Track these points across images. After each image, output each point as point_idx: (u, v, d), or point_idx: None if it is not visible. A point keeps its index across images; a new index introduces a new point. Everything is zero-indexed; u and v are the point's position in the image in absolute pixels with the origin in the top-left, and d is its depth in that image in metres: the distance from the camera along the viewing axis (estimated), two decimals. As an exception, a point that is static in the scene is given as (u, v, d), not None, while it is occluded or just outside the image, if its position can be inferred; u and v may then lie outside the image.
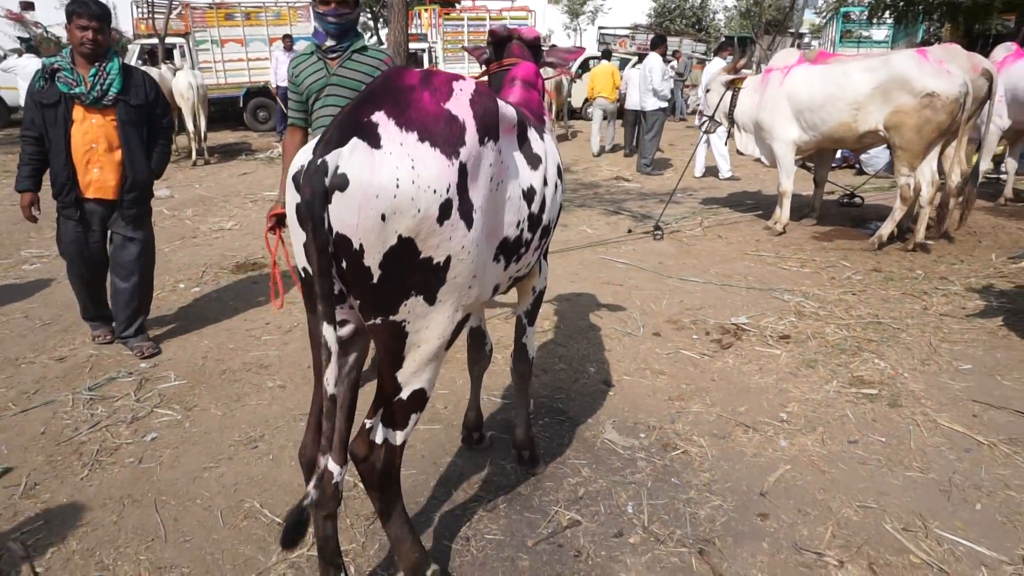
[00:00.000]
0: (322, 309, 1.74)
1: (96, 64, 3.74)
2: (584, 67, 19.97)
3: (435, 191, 1.72)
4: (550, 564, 2.43)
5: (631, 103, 11.37)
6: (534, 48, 2.81)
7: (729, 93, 7.06)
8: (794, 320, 4.53)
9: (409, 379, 1.94)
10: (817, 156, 7.13)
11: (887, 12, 13.60)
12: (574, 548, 2.50)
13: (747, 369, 3.90)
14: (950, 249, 6.14)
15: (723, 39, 11.97)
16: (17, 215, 7.84)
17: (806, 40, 30.12)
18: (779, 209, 6.87)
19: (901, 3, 13.17)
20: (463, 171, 1.78)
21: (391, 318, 1.83)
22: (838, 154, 9.46)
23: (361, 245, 1.71)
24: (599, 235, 6.82)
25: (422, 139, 1.73)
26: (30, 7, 33.45)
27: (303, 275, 1.95)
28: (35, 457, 3.10)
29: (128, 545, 2.55)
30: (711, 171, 10.43)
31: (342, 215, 1.69)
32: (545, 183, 2.25)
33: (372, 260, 1.73)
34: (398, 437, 2.02)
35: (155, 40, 15.97)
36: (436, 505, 2.76)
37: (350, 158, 1.68)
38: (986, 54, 7.08)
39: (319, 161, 1.68)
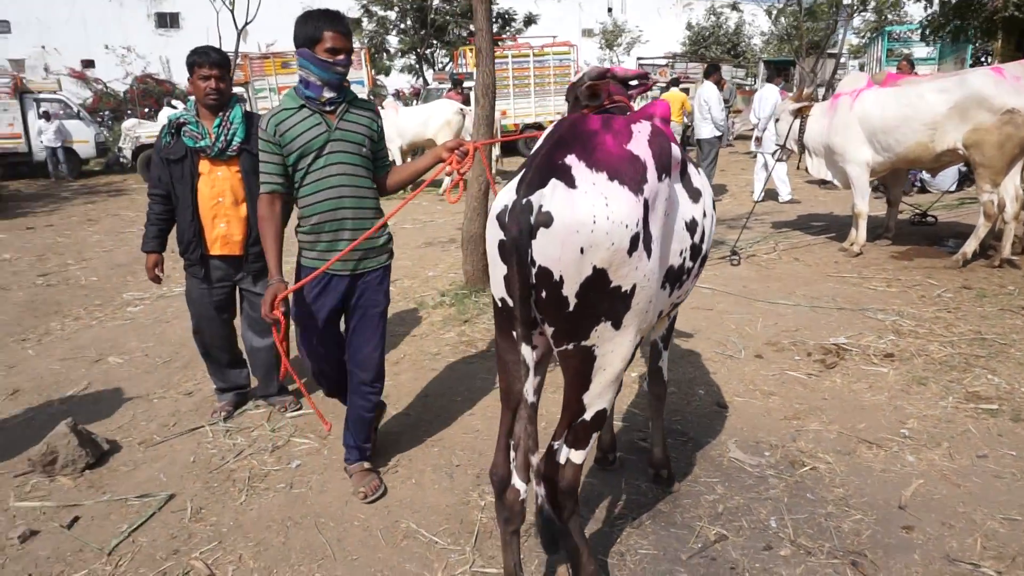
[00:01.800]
0: (522, 331, 1.96)
1: (220, 114, 3.61)
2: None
3: (626, 225, 1.89)
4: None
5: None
6: (627, 85, 2.90)
7: (797, 121, 7.16)
8: (894, 338, 4.56)
9: (594, 400, 2.09)
10: (891, 176, 7.16)
11: (940, 31, 13.55)
12: (728, 561, 2.59)
13: (857, 388, 3.95)
14: (1037, 264, 6.09)
15: (709, 65, 12.07)
16: (113, 260, 8.32)
17: (843, 61, 30.06)
18: (855, 230, 6.90)
19: (955, 21, 13.10)
20: (646, 206, 1.95)
21: (583, 343, 1.99)
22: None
23: (561, 276, 1.89)
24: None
25: (611, 178, 1.91)
26: (91, 64, 35.38)
27: (499, 304, 2.11)
28: (193, 484, 3.31)
29: (300, 564, 2.72)
30: (770, 195, 10.48)
31: (546, 249, 1.87)
32: (704, 215, 2.40)
33: (570, 290, 1.91)
34: (580, 456, 2.16)
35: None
36: (583, 524, 2.87)
37: (552, 197, 1.87)
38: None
39: (524, 201, 1.88)
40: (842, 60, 28.98)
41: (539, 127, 18.65)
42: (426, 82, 24.77)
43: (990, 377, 3.93)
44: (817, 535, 2.72)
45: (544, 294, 1.93)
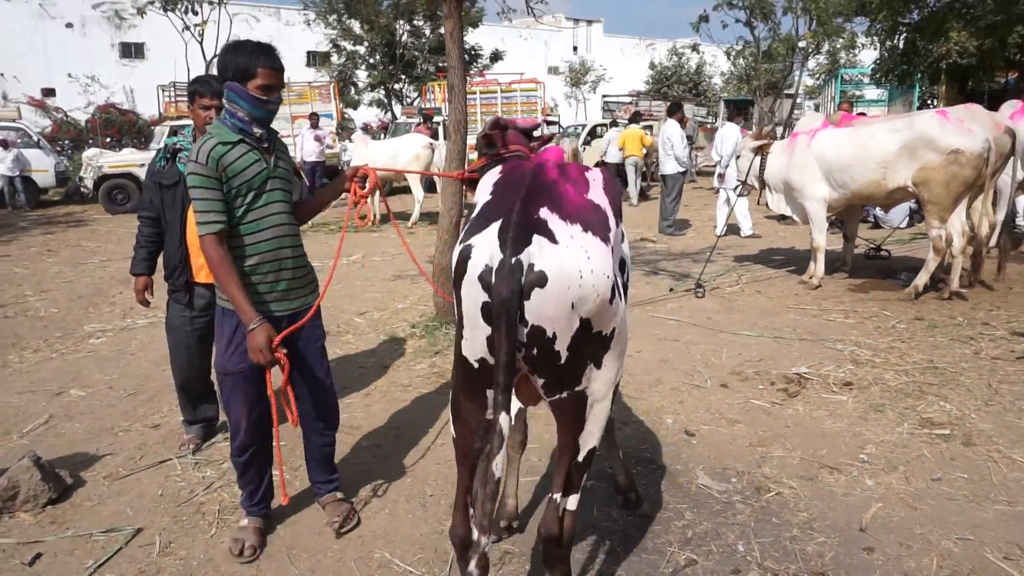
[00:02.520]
0: (502, 399, 1.85)
1: None
2: (592, 134, 20.72)
3: (607, 276, 1.93)
4: (679, 600, 2.58)
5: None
6: (528, 135, 2.86)
7: (758, 158, 7.43)
8: (852, 368, 4.73)
9: (588, 439, 2.13)
10: (847, 212, 7.45)
11: (889, 75, 14.22)
12: (698, 585, 2.65)
13: (818, 415, 4.08)
14: (985, 296, 6.38)
15: (672, 103, 12.59)
16: (74, 291, 8.17)
17: (799, 101, 31.15)
18: (813, 264, 7.14)
19: (904, 66, 13.79)
20: (612, 252, 2.01)
21: (576, 389, 2.04)
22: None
23: (554, 333, 1.89)
24: (642, 294, 7.08)
25: (584, 230, 1.93)
26: (51, 93, 34.88)
27: (475, 365, 1.99)
28: (161, 518, 3.26)
29: (273, 596, 2.70)
30: (732, 229, 10.77)
31: (540, 309, 1.85)
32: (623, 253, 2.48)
33: (562, 344, 1.92)
34: (575, 502, 2.21)
35: (186, 122, 16.63)
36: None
37: (541, 255, 1.84)
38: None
39: (513, 260, 1.82)
40: (798, 101, 30.07)
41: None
42: (394, 116, 24.97)
43: (942, 404, 4.10)
44: (783, 558, 2.80)
45: (536, 351, 1.91)
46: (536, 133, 2.87)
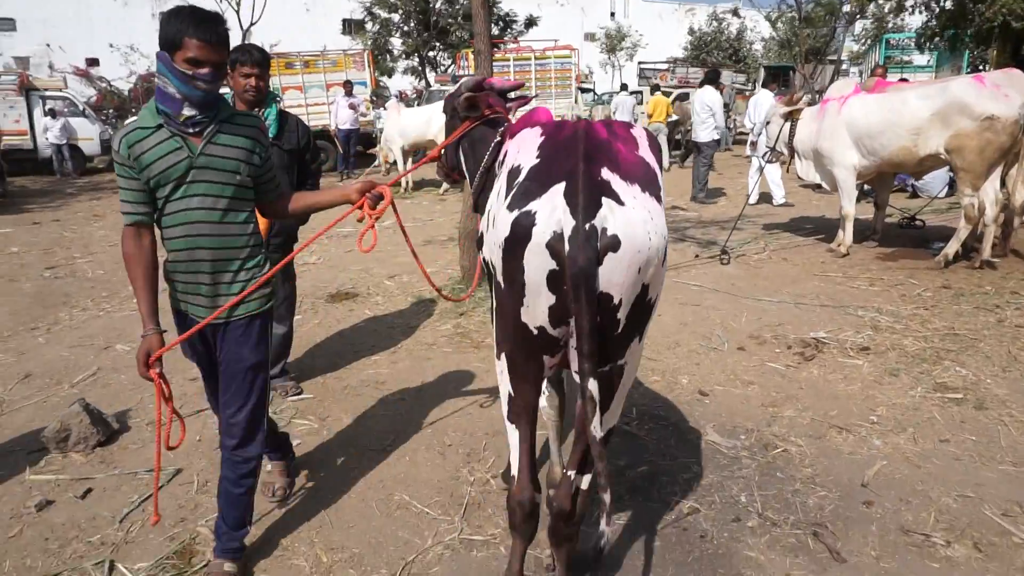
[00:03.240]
0: (589, 367, 1.77)
1: (255, 110, 3.63)
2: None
3: (664, 237, 1.87)
4: (679, 544, 2.71)
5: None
6: (505, 96, 2.85)
7: (788, 124, 7.35)
8: (871, 334, 4.75)
9: (608, 419, 2.06)
10: (877, 180, 7.35)
11: (936, 39, 13.76)
12: (699, 531, 2.78)
13: (832, 378, 4.14)
14: (1017, 266, 6.28)
15: (710, 70, 12.51)
16: (119, 254, 8.51)
17: (844, 68, 30.26)
18: (842, 232, 7.09)
19: (951, 29, 13.32)
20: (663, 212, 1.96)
21: (619, 363, 1.98)
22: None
23: (620, 300, 1.80)
24: (669, 261, 7.11)
25: (643, 189, 1.86)
26: (95, 63, 35.62)
27: (533, 332, 1.92)
28: (199, 460, 3.50)
29: (301, 531, 2.91)
30: (764, 198, 10.66)
31: (612, 275, 1.76)
32: None
33: (623, 312, 1.83)
34: (588, 480, 2.22)
35: (224, 91, 16.88)
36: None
37: (613, 219, 1.75)
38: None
39: (587, 226, 1.72)
40: (843, 67, 29.25)
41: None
42: (428, 84, 24.97)
43: (958, 369, 4.12)
44: (783, 509, 2.91)
45: (599, 320, 1.80)
46: (512, 95, 2.88)
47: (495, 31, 24.96)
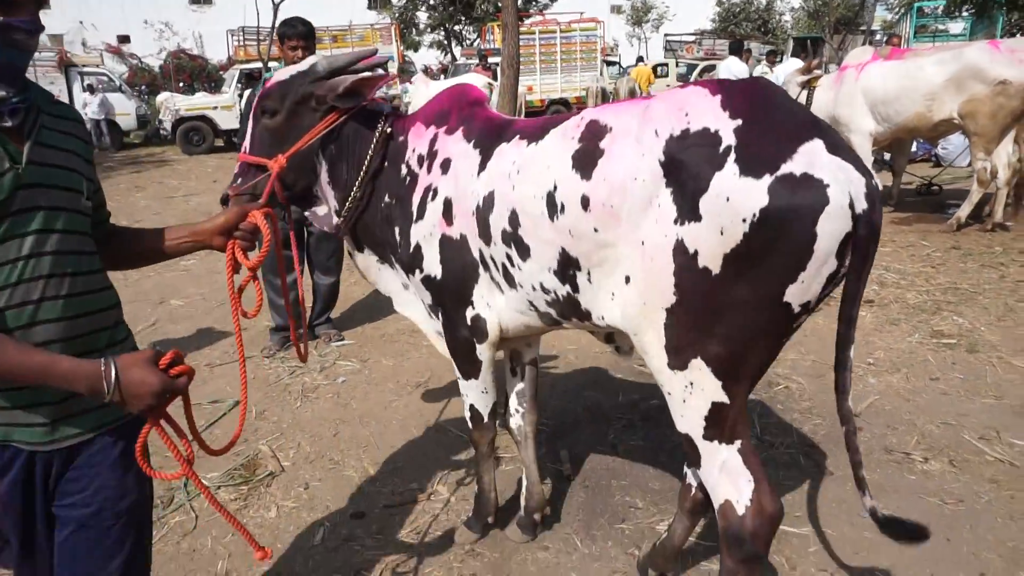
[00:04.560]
0: (851, 336, 1.80)
1: None
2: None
3: None
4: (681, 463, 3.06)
5: None
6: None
7: (805, 92, 7.52)
8: (876, 288, 5.01)
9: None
10: (895, 146, 7.51)
11: (965, 6, 13.63)
12: (702, 450, 3.12)
13: (835, 327, 4.41)
14: (1028, 228, 6.46)
15: (734, 41, 12.73)
16: (163, 222, 8.99)
17: (878, 37, 29.71)
18: (858, 197, 7.28)
19: (978, -4, 13.22)
20: None
21: None
22: (913, 147, 9.76)
23: None
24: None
25: None
26: (127, 40, 36.30)
27: (796, 311, 1.66)
28: (255, 393, 3.91)
29: (349, 450, 3.31)
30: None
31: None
32: None
33: None
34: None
35: (254, 65, 17.31)
36: (577, 428, 3.42)
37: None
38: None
39: (872, 181, 1.57)
40: (877, 37, 28.75)
41: (565, 103, 19.04)
42: (454, 58, 25.16)
43: (956, 319, 4.38)
44: (780, 433, 3.24)
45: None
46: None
47: (520, 3, 25.01)
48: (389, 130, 2.28)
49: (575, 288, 1.93)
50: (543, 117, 2.16)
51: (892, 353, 4.00)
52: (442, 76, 21.87)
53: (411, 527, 2.73)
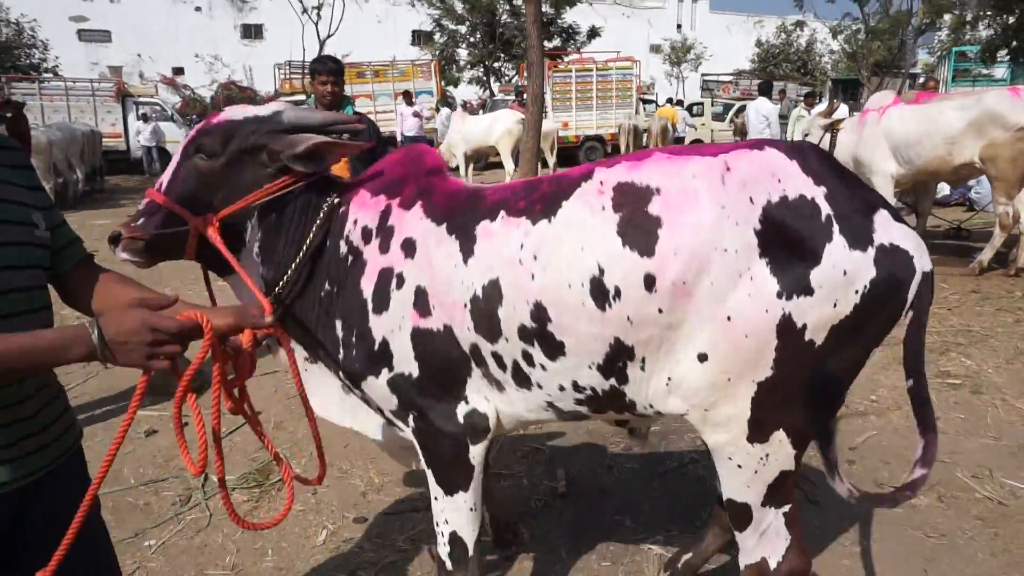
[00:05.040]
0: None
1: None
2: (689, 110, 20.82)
3: None
4: (681, 483, 3.16)
5: None
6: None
7: (827, 135, 7.63)
8: (888, 328, 5.05)
9: None
10: (919, 188, 7.55)
11: (999, 51, 13.64)
12: (696, 477, 3.22)
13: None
14: (1052, 275, 6.42)
15: (763, 81, 12.90)
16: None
17: (921, 80, 29.54)
18: (880, 238, 7.32)
19: (1016, 42, 13.22)
20: None
21: None
22: (947, 190, 9.76)
23: None
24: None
25: None
26: (180, 72, 37.96)
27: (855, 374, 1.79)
28: (275, 406, 4.13)
29: (357, 460, 3.49)
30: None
31: None
32: None
33: None
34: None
35: (298, 97, 18.01)
36: (576, 451, 3.55)
37: None
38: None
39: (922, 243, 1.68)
40: (920, 80, 28.61)
41: (600, 139, 19.35)
42: (492, 93, 25.76)
43: (963, 360, 4.41)
44: (773, 463, 3.32)
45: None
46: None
47: (557, 43, 25.60)
48: (337, 200, 1.89)
49: (623, 380, 1.74)
50: (519, 182, 1.91)
51: (895, 392, 4.05)
52: (480, 111, 22.46)
53: (408, 534, 2.88)
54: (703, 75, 33.30)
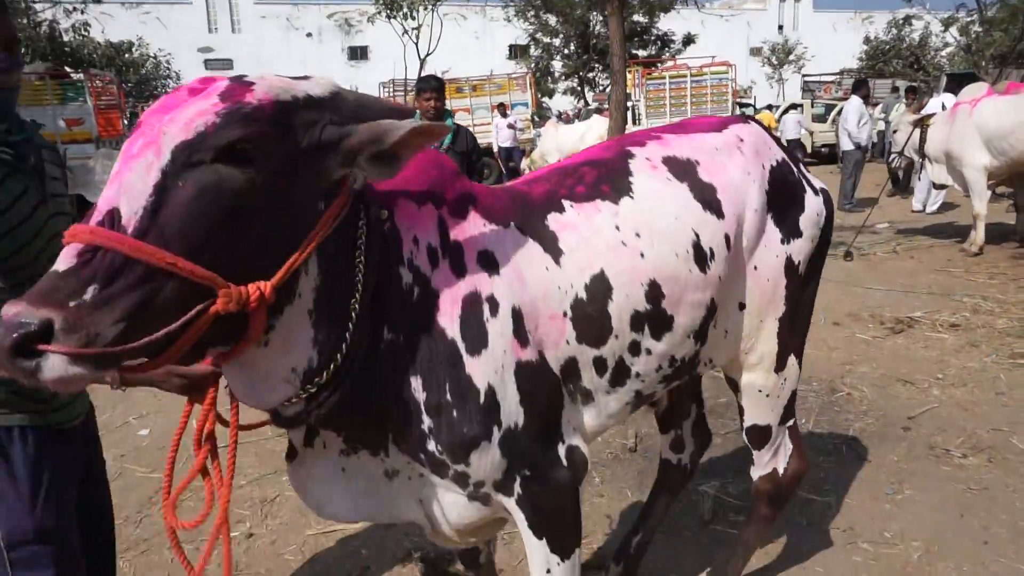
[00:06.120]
0: None
1: None
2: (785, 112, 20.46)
3: None
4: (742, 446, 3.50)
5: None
6: None
7: (917, 131, 7.60)
8: (967, 315, 5.12)
9: None
10: (1015, 180, 7.39)
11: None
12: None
13: (914, 347, 4.63)
14: None
15: (857, 80, 12.39)
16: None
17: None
18: (974, 231, 7.23)
19: None
20: None
21: None
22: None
23: None
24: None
25: None
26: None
27: None
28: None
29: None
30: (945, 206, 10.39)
31: None
32: None
33: None
34: None
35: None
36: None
37: None
38: None
39: None
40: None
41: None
42: (587, 103, 26.21)
43: (1040, 344, 4.47)
44: (832, 428, 3.59)
45: None
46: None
47: (652, 51, 25.74)
48: (386, 214, 1.37)
49: (704, 341, 1.83)
50: (540, 172, 1.80)
51: (964, 371, 4.19)
52: (575, 120, 22.95)
53: (406, 540, 2.95)
54: (804, 76, 32.31)
